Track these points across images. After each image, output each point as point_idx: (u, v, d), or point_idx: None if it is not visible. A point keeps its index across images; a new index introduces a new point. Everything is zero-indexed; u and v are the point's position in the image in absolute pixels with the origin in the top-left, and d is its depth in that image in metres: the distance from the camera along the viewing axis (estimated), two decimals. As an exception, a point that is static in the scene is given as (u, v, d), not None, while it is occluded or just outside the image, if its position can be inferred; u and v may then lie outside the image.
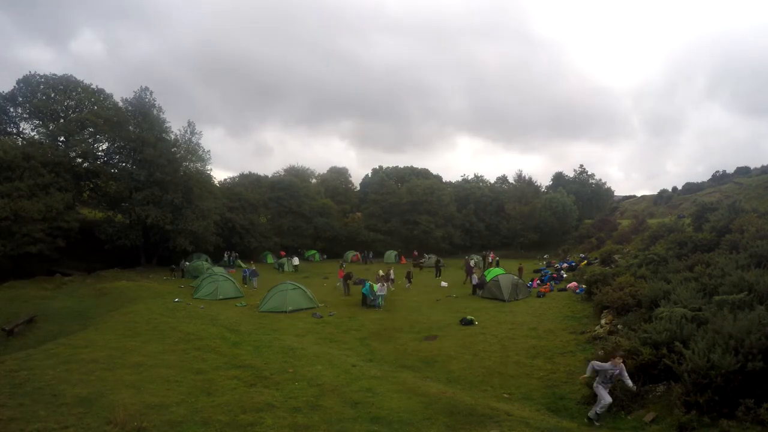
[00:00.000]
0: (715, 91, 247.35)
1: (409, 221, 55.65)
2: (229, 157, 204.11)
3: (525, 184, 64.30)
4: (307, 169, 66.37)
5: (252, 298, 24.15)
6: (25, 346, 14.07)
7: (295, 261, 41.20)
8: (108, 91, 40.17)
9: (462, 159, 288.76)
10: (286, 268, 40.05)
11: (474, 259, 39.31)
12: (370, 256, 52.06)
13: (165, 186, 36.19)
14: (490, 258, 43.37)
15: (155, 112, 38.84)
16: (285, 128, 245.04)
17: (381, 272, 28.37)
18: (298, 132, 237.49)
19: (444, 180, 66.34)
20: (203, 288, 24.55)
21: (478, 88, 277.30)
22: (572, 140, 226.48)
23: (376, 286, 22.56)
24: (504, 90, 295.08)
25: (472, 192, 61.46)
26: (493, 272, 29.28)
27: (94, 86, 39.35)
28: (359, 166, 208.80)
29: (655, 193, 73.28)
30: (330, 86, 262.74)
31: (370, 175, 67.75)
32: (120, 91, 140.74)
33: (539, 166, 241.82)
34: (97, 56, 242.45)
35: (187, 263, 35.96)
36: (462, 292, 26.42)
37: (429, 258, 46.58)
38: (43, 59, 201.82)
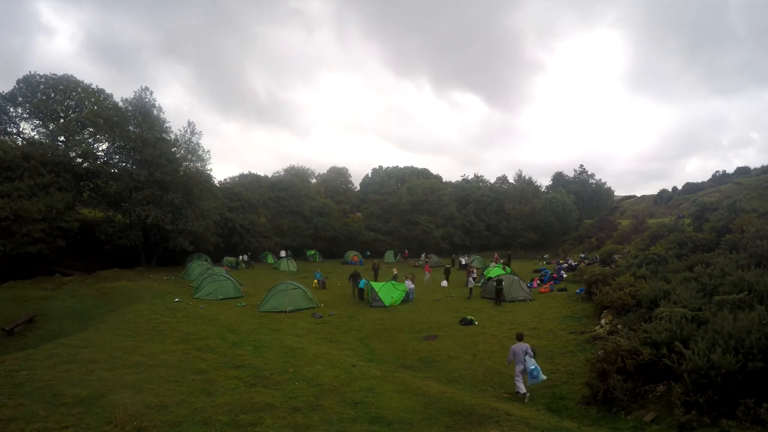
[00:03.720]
0: None
1: (409, 221, 55.66)
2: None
3: (525, 184, 64.25)
4: (307, 169, 66.85)
5: (252, 298, 24.15)
6: (25, 346, 14.08)
7: (282, 253, 40.95)
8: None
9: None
10: (282, 267, 40.19)
11: (474, 259, 39.18)
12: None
13: (165, 186, 36.16)
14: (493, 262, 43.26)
15: (155, 112, 38.88)
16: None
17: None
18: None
19: (444, 180, 66.60)
20: (203, 288, 24.53)
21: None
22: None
23: (406, 283, 24.06)
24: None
25: (472, 192, 61.65)
26: (493, 272, 29.32)
27: (94, 86, 39.41)
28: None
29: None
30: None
31: (370, 175, 67.93)
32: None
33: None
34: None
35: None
36: (461, 293, 26.36)
37: (429, 258, 46.58)
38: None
